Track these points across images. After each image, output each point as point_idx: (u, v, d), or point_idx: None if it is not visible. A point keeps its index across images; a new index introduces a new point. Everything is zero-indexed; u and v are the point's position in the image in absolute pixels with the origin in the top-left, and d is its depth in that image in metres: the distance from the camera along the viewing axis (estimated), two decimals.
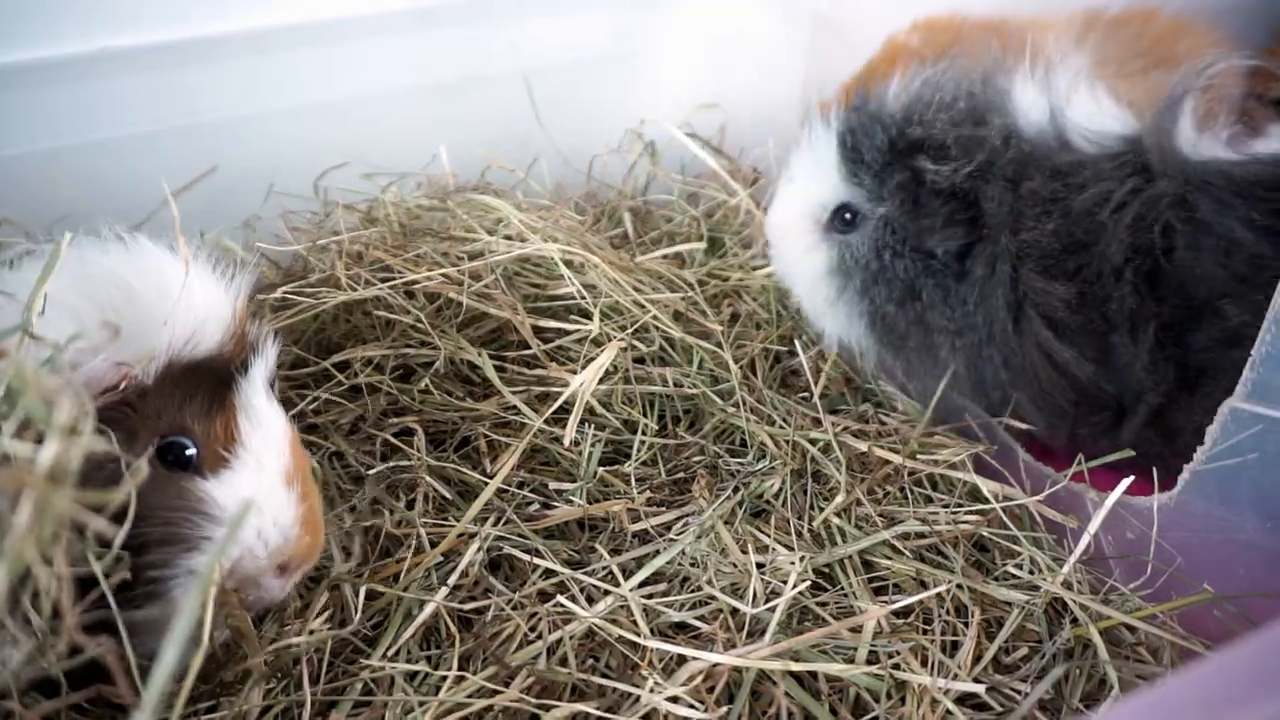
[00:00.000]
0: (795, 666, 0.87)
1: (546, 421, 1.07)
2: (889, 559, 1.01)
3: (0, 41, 1.20)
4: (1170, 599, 0.94)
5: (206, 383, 0.77)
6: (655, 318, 1.16)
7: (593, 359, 1.08)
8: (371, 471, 1.06)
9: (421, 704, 0.83)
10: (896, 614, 0.95)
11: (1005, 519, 1.05)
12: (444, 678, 0.86)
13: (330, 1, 1.32)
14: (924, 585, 0.98)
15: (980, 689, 0.87)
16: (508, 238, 1.21)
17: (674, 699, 0.84)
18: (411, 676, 0.87)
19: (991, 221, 0.99)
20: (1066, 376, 0.97)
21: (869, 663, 0.89)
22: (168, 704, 0.65)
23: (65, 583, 0.39)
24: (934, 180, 1.01)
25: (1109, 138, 1.01)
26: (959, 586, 0.97)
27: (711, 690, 0.85)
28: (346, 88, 1.37)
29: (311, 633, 0.86)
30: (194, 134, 1.32)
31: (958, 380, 1.08)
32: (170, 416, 0.75)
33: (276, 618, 0.90)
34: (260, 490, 0.76)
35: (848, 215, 1.13)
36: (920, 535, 1.03)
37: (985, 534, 1.04)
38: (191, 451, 0.75)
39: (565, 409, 1.06)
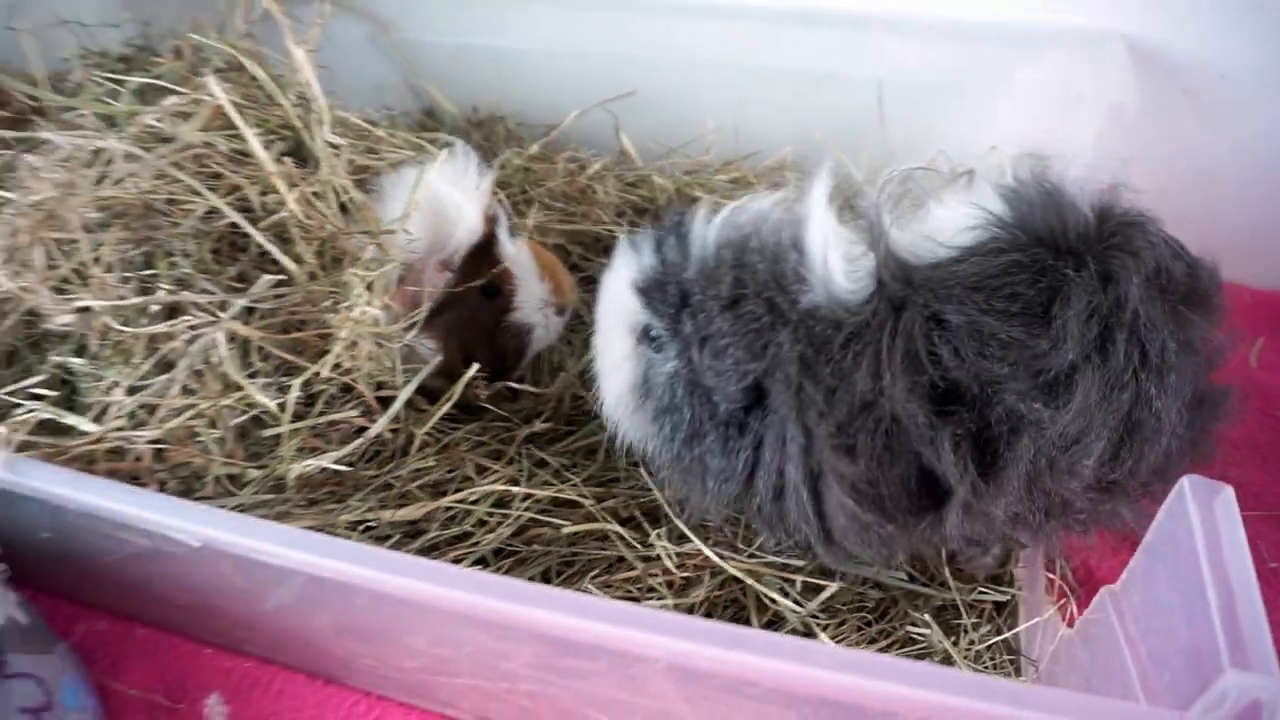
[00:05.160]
0: None
1: None
2: None
3: None
4: None
5: (482, 250, 1.25)
6: None
7: None
8: None
9: None
10: None
11: None
12: None
13: None
14: None
15: None
16: None
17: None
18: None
19: (779, 404, 0.93)
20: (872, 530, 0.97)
21: None
22: None
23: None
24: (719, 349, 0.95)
25: (862, 285, 0.94)
26: None
27: None
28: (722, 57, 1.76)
29: None
30: (605, 63, 1.81)
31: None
32: (478, 282, 1.26)
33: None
34: (532, 292, 1.32)
35: (653, 335, 1.05)
36: None
37: None
38: (492, 287, 1.29)
39: None
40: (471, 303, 1.28)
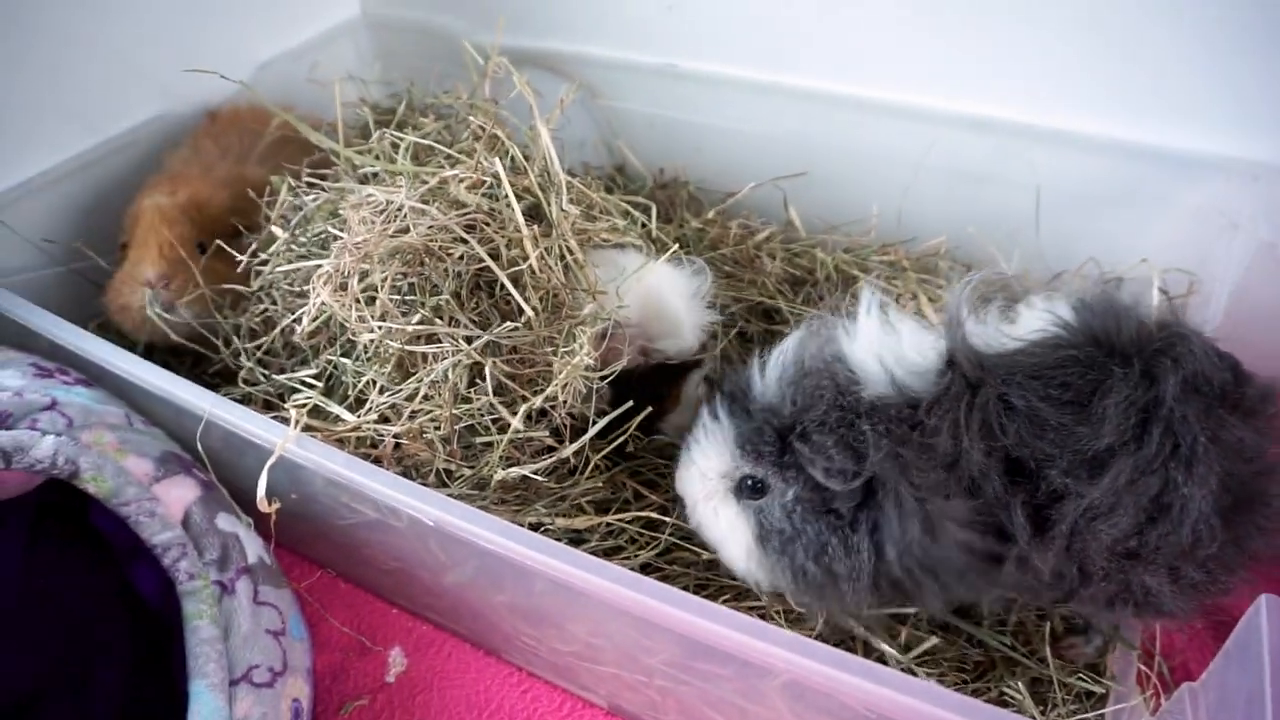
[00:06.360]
0: None
1: None
2: None
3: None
4: None
5: (673, 371, 1.44)
6: None
7: None
8: None
9: None
10: None
11: None
12: None
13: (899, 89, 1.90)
14: None
15: None
16: None
17: None
18: None
19: (885, 475, 1.06)
20: (984, 559, 1.08)
21: None
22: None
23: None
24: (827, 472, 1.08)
25: (932, 368, 1.09)
26: None
27: None
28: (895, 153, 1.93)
29: None
30: (784, 143, 2.02)
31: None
32: (654, 384, 1.43)
33: None
34: (677, 424, 1.49)
35: (753, 483, 1.16)
36: None
37: None
38: (659, 399, 1.47)
39: None
40: (636, 390, 1.42)
